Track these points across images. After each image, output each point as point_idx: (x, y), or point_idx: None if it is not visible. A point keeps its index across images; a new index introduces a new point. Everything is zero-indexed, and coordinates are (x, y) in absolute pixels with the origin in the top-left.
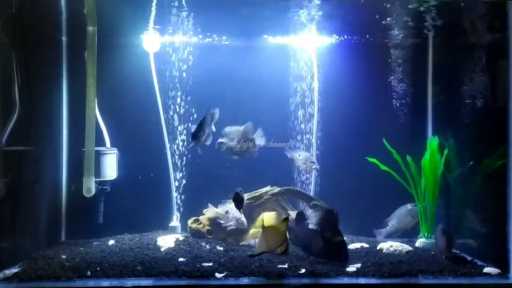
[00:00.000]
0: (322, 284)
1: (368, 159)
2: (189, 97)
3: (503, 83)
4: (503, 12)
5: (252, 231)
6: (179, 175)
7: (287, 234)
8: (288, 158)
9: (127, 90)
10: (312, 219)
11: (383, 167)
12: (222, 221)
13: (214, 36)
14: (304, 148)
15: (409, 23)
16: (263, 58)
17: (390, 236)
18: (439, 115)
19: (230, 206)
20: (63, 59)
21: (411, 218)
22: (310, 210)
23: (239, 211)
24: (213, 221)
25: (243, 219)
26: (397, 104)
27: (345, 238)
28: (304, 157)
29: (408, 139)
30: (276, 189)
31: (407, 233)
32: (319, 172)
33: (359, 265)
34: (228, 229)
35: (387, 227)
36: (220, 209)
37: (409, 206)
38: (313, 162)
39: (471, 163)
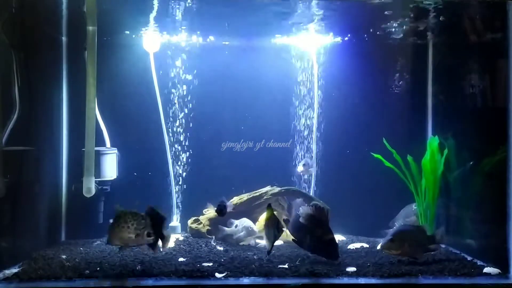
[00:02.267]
0: (322, 284)
1: (373, 155)
2: (189, 97)
3: (503, 83)
4: (503, 12)
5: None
6: (179, 175)
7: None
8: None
9: (127, 90)
10: (303, 214)
11: (387, 164)
12: (234, 237)
13: (214, 36)
14: (304, 149)
15: (409, 23)
16: (264, 58)
17: None
18: (439, 115)
19: (239, 220)
20: (63, 59)
21: (416, 217)
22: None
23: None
24: (213, 221)
25: (253, 226)
26: (397, 104)
27: (334, 236)
28: (303, 161)
29: (408, 139)
30: (276, 189)
31: None
32: (319, 172)
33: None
34: (241, 242)
35: (394, 229)
36: (230, 228)
37: (414, 205)
38: (307, 165)
39: (471, 163)
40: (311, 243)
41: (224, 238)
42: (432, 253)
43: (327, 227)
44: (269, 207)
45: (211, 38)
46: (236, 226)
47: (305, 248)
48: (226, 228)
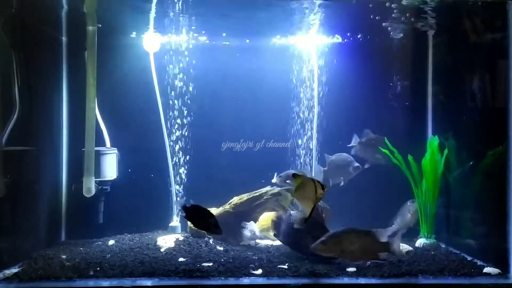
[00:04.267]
0: (322, 284)
1: (382, 150)
2: (188, 97)
3: (503, 83)
4: (503, 12)
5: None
6: (179, 174)
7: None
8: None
9: (127, 90)
10: (297, 219)
11: (394, 161)
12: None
13: (215, 36)
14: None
15: (409, 23)
16: (264, 59)
17: (395, 235)
18: (439, 115)
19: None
20: (63, 59)
21: (410, 214)
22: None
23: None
24: None
25: (256, 229)
26: (397, 104)
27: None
28: (342, 159)
29: (408, 139)
30: (276, 189)
31: (408, 233)
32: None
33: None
34: (241, 242)
35: (393, 226)
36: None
37: (409, 203)
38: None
39: (471, 163)
40: (310, 245)
41: (229, 238)
42: (380, 261)
43: (323, 226)
44: (295, 174)
45: (212, 38)
46: (246, 229)
47: (305, 253)
48: (246, 233)
